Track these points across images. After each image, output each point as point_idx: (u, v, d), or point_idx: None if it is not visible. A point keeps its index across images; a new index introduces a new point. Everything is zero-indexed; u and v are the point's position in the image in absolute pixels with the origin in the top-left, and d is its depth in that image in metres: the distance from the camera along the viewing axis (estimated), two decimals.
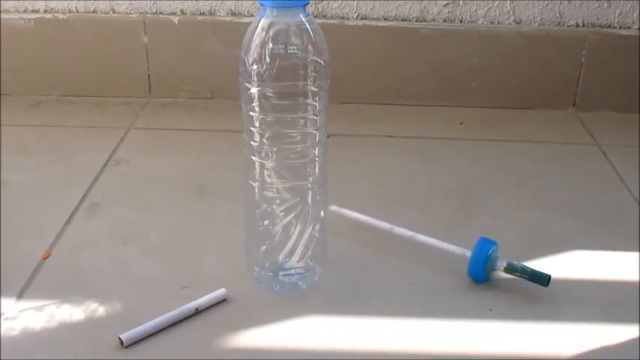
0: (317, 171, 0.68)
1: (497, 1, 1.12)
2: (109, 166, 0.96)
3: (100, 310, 0.69)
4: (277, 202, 0.67)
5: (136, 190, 0.91)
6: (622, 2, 1.11)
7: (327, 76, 0.64)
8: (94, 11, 1.13)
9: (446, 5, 1.12)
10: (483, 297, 0.72)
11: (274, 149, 0.66)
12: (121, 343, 0.64)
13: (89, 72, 1.16)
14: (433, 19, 1.13)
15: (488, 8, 1.12)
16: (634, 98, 1.14)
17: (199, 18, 1.13)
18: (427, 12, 1.12)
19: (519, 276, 0.72)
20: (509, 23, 1.13)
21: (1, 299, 0.70)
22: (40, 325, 0.67)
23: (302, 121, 0.65)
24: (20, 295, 0.70)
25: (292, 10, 0.62)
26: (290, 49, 0.62)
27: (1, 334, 0.65)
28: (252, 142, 0.66)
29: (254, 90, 0.63)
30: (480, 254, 0.72)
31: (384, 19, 1.13)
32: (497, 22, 1.13)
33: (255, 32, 0.62)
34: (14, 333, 0.66)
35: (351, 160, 0.98)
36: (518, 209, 0.88)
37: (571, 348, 0.65)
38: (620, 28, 1.12)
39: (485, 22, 1.13)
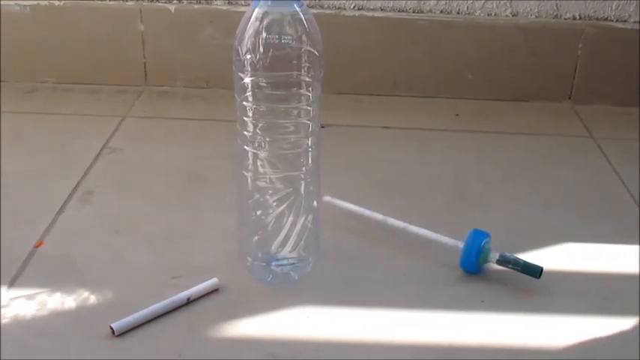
0: (310, 161, 0.67)
1: None
2: (104, 155, 0.96)
3: (92, 298, 0.68)
4: (270, 192, 0.67)
5: (130, 178, 0.91)
6: None
7: (321, 67, 0.64)
8: None
9: None
10: (475, 288, 0.72)
11: (267, 139, 0.65)
12: (113, 332, 0.64)
13: (85, 59, 1.16)
14: (430, 11, 1.13)
15: (486, 0, 1.12)
16: (630, 91, 1.14)
17: (196, 6, 1.13)
18: (424, 3, 1.12)
19: (512, 268, 0.72)
20: (506, 15, 1.13)
21: None
22: (31, 313, 0.67)
23: (295, 112, 0.65)
24: (12, 284, 0.70)
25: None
26: (284, 39, 0.62)
27: None
28: (245, 132, 0.66)
29: (247, 80, 0.63)
30: (472, 246, 0.72)
31: (381, 9, 1.13)
32: (494, 14, 1.13)
33: (249, 22, 0.62)
34: (5, 321, 0.65)
35: (347, 150, 0.98)
36: (512, 201, 0.88)
37: (563, 340, 0.65)
38: (616, 21, 1.12)
39: (482, 14, 1.13)
